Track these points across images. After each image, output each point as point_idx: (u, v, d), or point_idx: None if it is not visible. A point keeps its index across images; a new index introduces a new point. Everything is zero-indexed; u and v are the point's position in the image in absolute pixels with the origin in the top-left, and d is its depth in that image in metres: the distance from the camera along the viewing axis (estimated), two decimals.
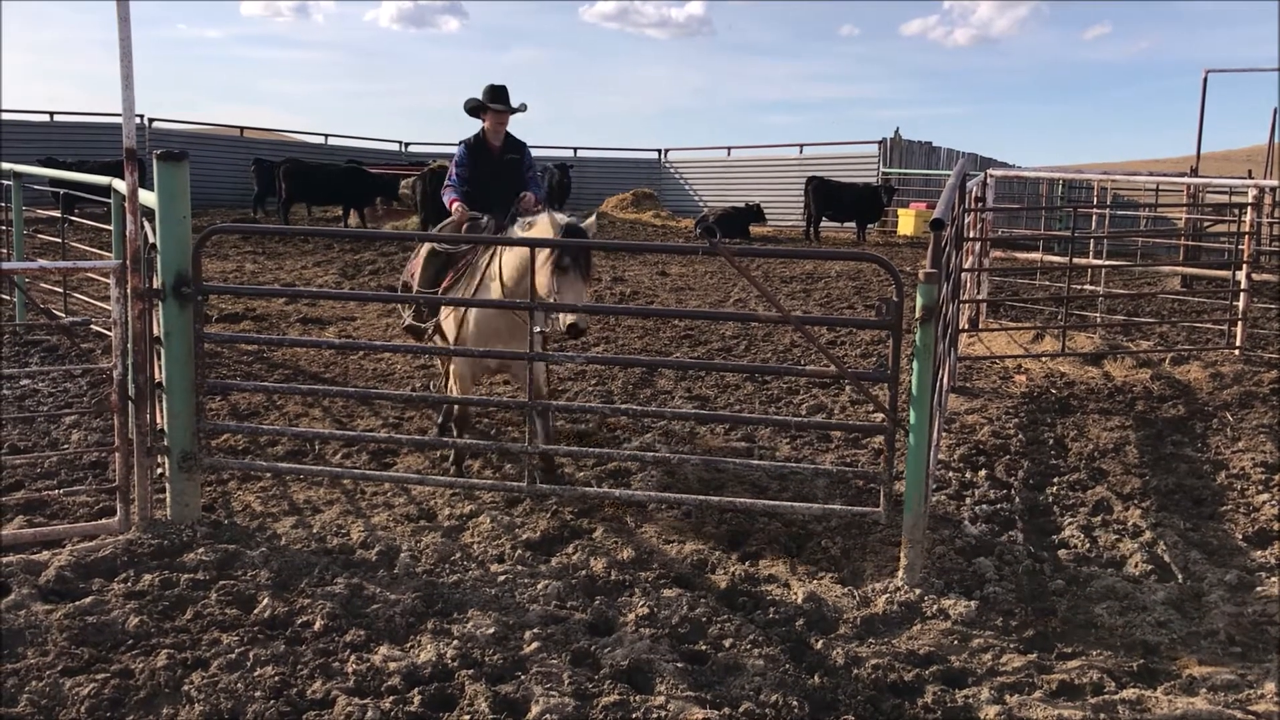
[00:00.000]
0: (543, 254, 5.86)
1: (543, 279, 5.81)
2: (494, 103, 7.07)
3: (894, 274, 5.10)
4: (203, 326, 5.52)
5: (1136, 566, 5.61)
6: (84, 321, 8.11)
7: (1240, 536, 6.17)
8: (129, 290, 5.31)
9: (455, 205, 7.00)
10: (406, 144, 36.37)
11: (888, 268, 5.12)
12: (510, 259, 6.36)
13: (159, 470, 5.69)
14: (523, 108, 7.16)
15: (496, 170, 7.16)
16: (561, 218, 6.10)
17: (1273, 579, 5.49)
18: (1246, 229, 11.53)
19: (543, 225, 6.12)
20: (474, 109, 7.19)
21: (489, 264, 6.57)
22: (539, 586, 4.99)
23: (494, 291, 6.43)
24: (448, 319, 6.80)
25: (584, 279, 5.95)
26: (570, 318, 5.78)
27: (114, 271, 5.34)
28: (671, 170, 36.82)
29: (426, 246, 7.09)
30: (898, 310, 5.03)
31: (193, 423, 5.52)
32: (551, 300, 5.77)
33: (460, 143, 7.22)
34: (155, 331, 5.52)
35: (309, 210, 25.12)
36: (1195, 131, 19.55)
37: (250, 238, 20.00)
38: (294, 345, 10.14)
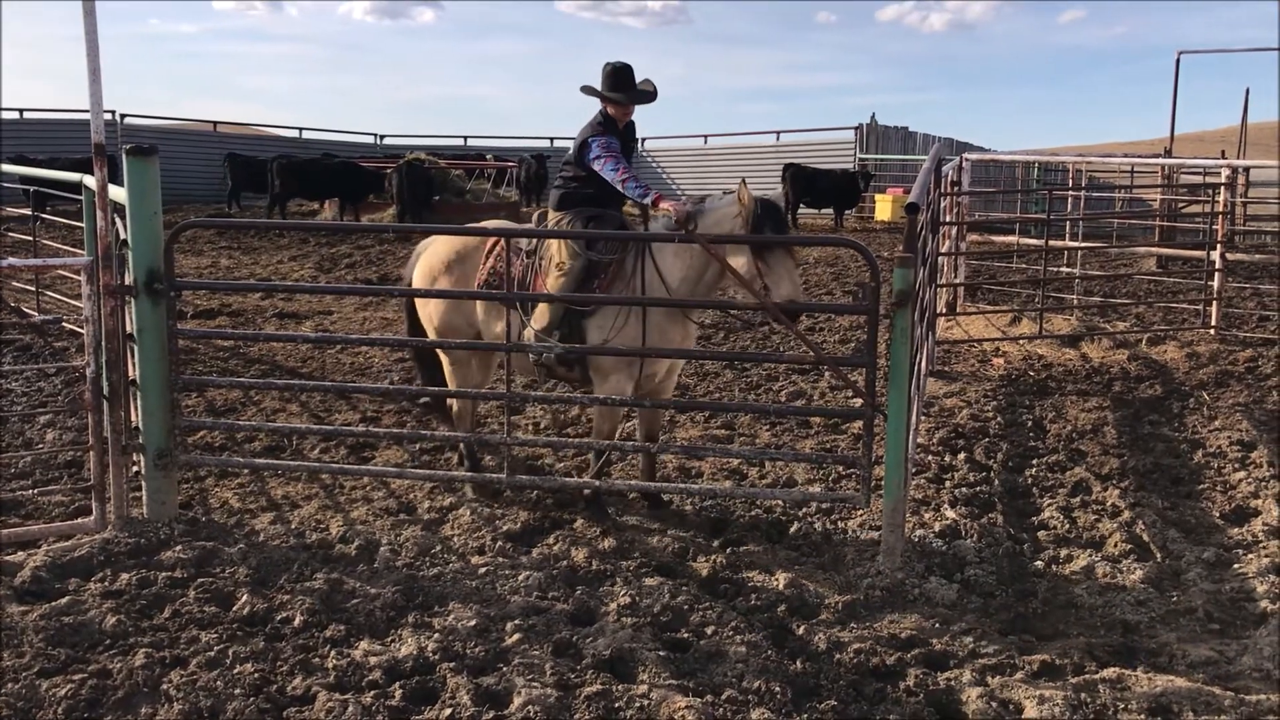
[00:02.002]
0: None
1: (744, 262, 5.38)
2: (615, 91, 5.92)
3: (870, 259, 5.09)
4: (176, 323, 5.47)
5: (1115, 546, 5.64)
6: (56, 320, 8.04)
7: (1217, 514, 6.22)
8: (101, 287, 5.26)
9: (660, 200, 5.66)
10: (382, 136, 36.19)
11: (864, 253, 5.13)
12: (679, 253, 5.66)
13: (135, 468, 5.64)
14: (652, 92, 6.03)
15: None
16: (753, 194, 5.50)
17: (1249, 556, 5.54)
18: (1220, 209, 11.61)
19: (728, 206, 5.54)
20: (595, 94, 5.99)
21: (640, 265, 5.73)
22: (520, 578, 4.97)
23: (662, 294, 5.67)
24: (623, 331, 5.73)
25: (791, 254, 5.46)
26: (786, 295, 5.32)
27: (85, 268, 5.28)
28: (649, 159, 36.75)
29: (565, 252, 5.80)
30: (874, 295, 5.02)
31: (168, 420, 5.48)
32: (760, 285, 5.32)
33: (597, 133, 5.87)
34: (129, 328, 5.47)
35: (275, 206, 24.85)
36: (1169, 113, 19.68)
37: (226, 233, 19.84)
38: (269, 340, 10.05)
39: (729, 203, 5.56)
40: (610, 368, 5.81)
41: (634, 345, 5.64)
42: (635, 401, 5.76)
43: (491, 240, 6.05)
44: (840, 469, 6.75)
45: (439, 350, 6.45)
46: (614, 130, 5.94)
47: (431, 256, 6.36)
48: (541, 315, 5.82)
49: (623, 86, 5.93)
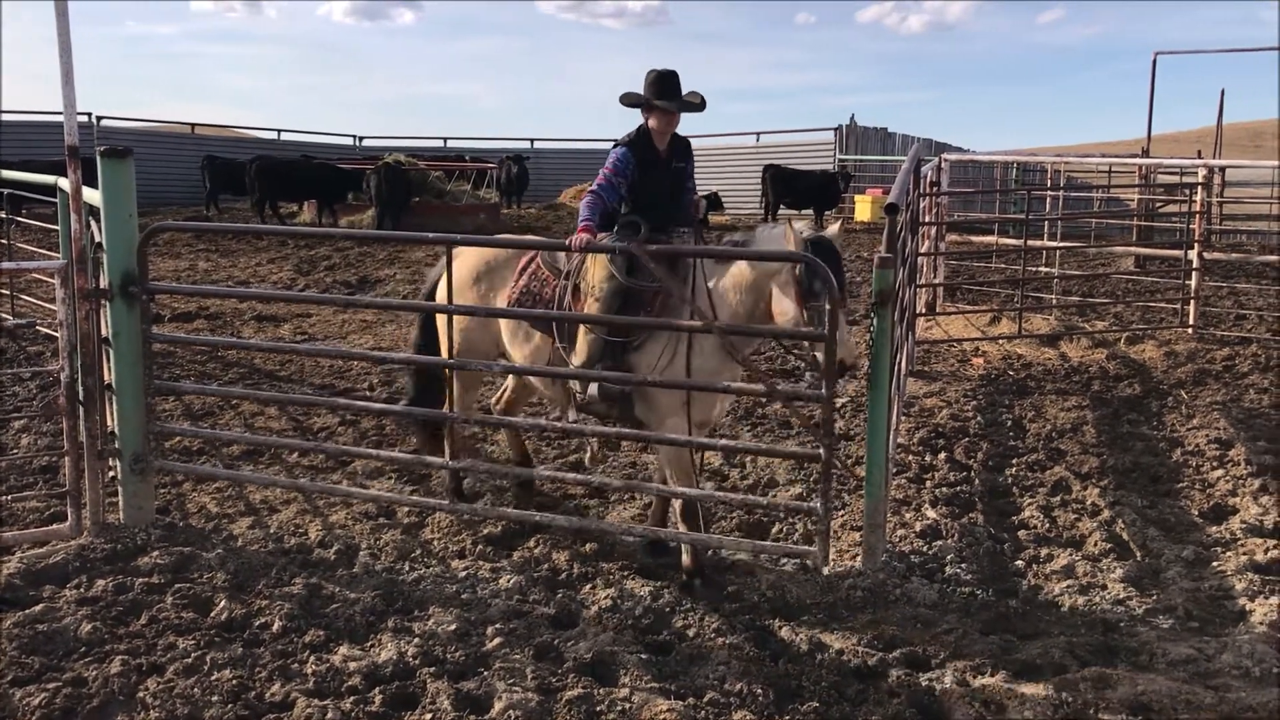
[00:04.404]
0: (780, 276, 4.88)
1: (787, 307, 4.84)
2: (660, 98, 5.35)
3: (824, 277, 4.50)
4: (151, 326, 5.42)
5: (1095, 545, 5.66)
6: (30, 323, 7.95)
7: (1196, 513, 6.24)
8: (75, 291, 5.21)
9: (583, 229, 5.12)
10: (361, 138, 36.02)
11: (817, 270, 4.56)
12: (733, 289, 5.07)
13: (111, 473, 5.59)
14: (699, 103, 5.47)
15: (664, 181, 5.49)
16: (803, 230, 4.88)
17: (1228, 554, 5.56)
18: (1197, 208, 11.69)
19: (776, 240, 4.97)
20: (634, 104, 5.48)
21: (692, 297, 5.09)
22: (501, 581, 4.95)
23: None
24: (668, 370, 5.12)
25: (844, 309, 4.63)
26: (838, 354, 4.54)
27: (59, 272, 5.22)
28: None
29: (600, 275, 5.25)
30: (831, 321, 4.47)
31: (144, 424, 5.42)
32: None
33: (620, 144, 5.43)
34: (104, 332, 5.42)
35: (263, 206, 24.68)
36: (1146, 114, 19.77)
37: (204, 235, 19.69)
38: (243, 348, 9.97)
39: (776, 238, 4.99)
40: (667, 409, 5.19)
41: (686, 374, 5.09)
42: (576, 425, 5.47)
43: (525, 257, 5.65)
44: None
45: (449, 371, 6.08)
46: (644, 146, 5.42)
47: (461, 268, 5.72)
48: (581, 348, 5.28)
49: (663, 94, 5.37)
